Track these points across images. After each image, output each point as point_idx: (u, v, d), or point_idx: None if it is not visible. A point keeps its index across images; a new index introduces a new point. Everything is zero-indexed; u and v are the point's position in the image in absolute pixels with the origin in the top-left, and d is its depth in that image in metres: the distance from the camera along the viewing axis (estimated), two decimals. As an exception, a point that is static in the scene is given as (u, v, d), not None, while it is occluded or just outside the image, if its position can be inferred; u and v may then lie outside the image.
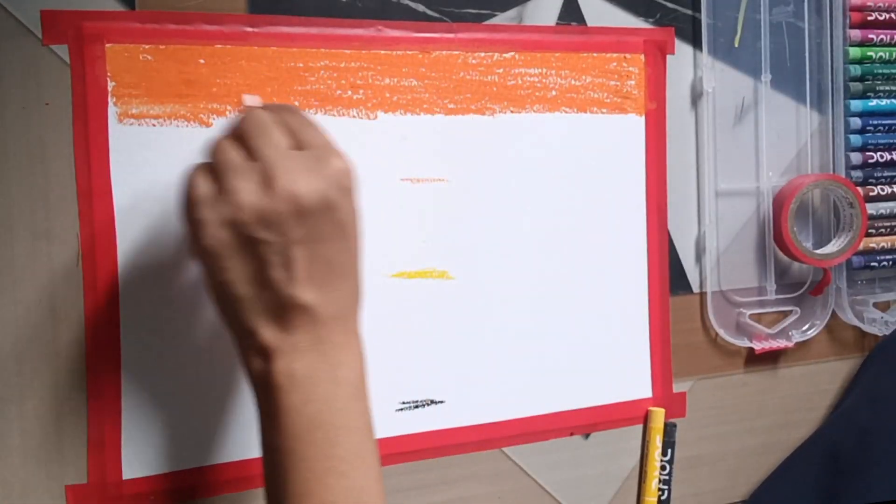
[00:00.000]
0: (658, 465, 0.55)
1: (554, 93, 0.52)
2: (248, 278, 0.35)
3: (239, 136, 0.37)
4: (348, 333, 0.38)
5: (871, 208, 0.59)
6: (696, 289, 0.57)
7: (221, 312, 0.37)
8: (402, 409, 0.50)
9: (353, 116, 0.47)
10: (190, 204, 0.36)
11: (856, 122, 0.59)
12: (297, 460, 0.35)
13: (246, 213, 0.34)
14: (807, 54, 0.58)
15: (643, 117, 0.54)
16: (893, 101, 0.60)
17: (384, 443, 0.49)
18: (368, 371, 0.38)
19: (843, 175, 0.59)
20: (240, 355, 0.38)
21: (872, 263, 0.60)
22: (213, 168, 0.36)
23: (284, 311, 0.35)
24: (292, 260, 0.35)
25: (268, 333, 0.36)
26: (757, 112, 0.57)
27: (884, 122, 0.59)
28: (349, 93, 0.47)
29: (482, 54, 0.50)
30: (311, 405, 0.35)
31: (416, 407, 0.50)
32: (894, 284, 0.62)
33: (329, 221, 0.36)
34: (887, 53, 0.59)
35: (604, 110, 0.53)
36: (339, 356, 0.37)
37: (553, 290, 0.53)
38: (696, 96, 0.56)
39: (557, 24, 0.52)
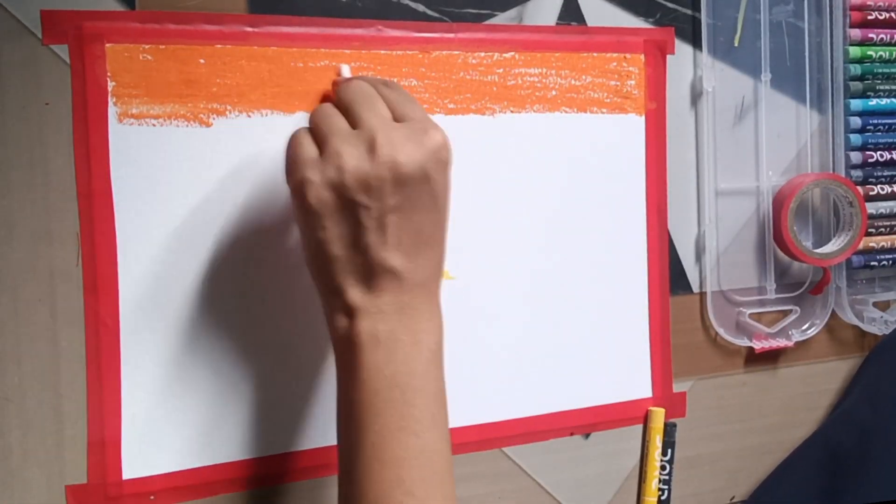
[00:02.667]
0: (658, 465, 0.56)
1: (554, 93, 0.52)
2: (344, 239, 0.37)
3: (342, 104, 0.39)
4: (430, 301, 0.39)
5: (871, 207, 0.59)
6: (696, 288, 0.57)
7: (314, 270, 0.39)
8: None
9: (353, 116, 0.47)
10: (297, 163, 0.37)
11: (856, 122, 0.59)
12: (373, 415, 0.36)
13: (349, 176, 0.36)
14: (807, 54, 0.58)
15: (643, 117, 0.54)
16: (893, 100, 0.60)
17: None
18: (444, 338, 0.39)
19: (842, 174, 0.59)
20: (326, 313, 0.39)
21: (872, 263, 0.60)
22: (317, 132, 0.38)
23: (373, 274, 0.37)
24: (387, 226, 0.37)
25: (355, 294, 0.37)
26: (757, 112, 0.57)
27: (884, 121, 0.59)
28: (349, 93, 0.47)
29: (482, 54, 0.50)
30: (391, 365, 0.37)
31: (417, 407, 0.50)
32: (894, 284, 0.62)
33: (424, 192, 0.37)
34: (887, 53, 0.59)
35: (604, 110, 0.53)
36: (421, 322, 0.38)
37: (553, 289, 0.53)
38: (695, 96, 0.56)
39: (557, 24, 0.52)
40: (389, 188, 0.36)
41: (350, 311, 0.38)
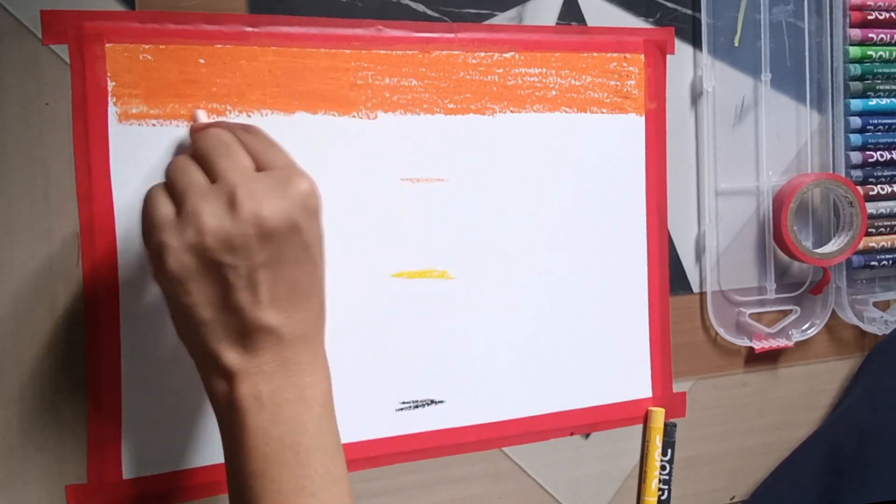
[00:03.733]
0: (658, 465, 0.55)
1: (554, 93, 0.52)
2: (212, 302, 0.35)
3: (199, 155, 0.37)
4: (314, 353, 0.37)
5: (871, 207, 0.59)
6: (696, 288, 0.57)
7: (183, 337, 0.37)
8: (402, 409, 0.50)
9: (353, 116, 0.47)
10: (152, 227, 0.35)
11: (856, 122, 0.59)
12: (266, 482, 0.34)
13: (210, 237, 0.34)
14: (807, 53, 0.58)
15: (643, 117, 0.54)
16: (893, 100, 0.60)
17: (384, 443, 0.49)
18: (333, 390, 0.38)
19: (843, 174, 0.58)
20: (203, 380, 0.37)
21: (872, 263, 0.60)
22: (173, 189, 0.36)
23: (249, 333, 0.35)
24: (257, 283, 0.35)
25: (232, 356, 0.35)
26: (757, 111, 0.57)
27: (884, 121, 0.59)
28: (349, 93, 0.47)
29: (482, 54, 0.50)
30: (279, 426, 0.35)
31: (416, 407, 0.50)
32: (894, 284, 0.62)
33: (294, 243, 0.35)
34: (887, 52, 0.59)
35: (604, 110, 0.53)
36: (306, 377, 0.36)
37: (553, 289, 0.53)
38: (696, 96, 0.56)
39: (557, 24, 0.52)
40: (256, 244, 0.34)
41: (228, 375, 0.35)
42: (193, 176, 0.36)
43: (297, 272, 0.36)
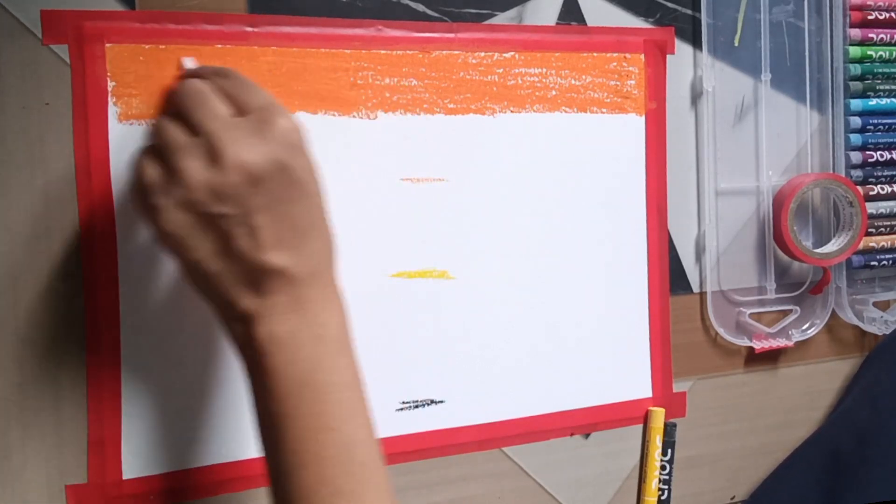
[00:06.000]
0: (658, 465, 0.56)
1: (554, 93, 0.52)
2: (217, 253, 0.35)
3: (178, 111, 0.36)
4: (326, 289, 0.37)
5: (871, 207, 0.59)
6: (696, 288, 0.57)
7: (198, 290, 0.37)
8: (402, 409, 0.50)
9: (353, 116, 0.47)
10: (141, 192, 0.35)
11: (856, 122, 0.59)
12: (288, 420, 0.35)
13: (198, 191, 0.34)
14: (807, 53, 0.58)
15: (643, 117, 0.54)
16: (893, 100, 0.60)
17: (384, 443, 0.49)
18: (351, 329, 0.38)
19: (842, 174, 0.59)
20: (222, 326, 0.38)
21: (872, 262, 0.60)
22: (158, 150, 0.36)
23: (259, 277, 0.35)
24: (256, 228, 0.35)
25: (246, 301, 0.36)
26: (757, 111, 0.57)
27: (884, 121, 0.59)
28: (349, 93, 0.47)
29: (482, 54, 0.50)
30: (296, 365, 0.35)
31: (416, 407, 0.50)
32: (894, 283, 0.62)
33: (286, 183, 0.35)
34: (887, 52, 0.59)
35: (604, 110, 0.53)
36: (320, 314, 0.36)
37: (553, 289, 0.53)
38: (695, 96, 0.56)
39: (557, 23, 0.52)
40: (247, 190, 0.34)
41: (244, 319, 0.36)
42: (172, 133, 0.35)
43: (294, 210, 0.36)
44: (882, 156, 0.59)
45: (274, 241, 0.35)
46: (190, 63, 0.43)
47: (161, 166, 0.35)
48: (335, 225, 0.49)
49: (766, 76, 0.57)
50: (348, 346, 0.37)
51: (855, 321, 0.60)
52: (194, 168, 0.34)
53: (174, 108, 0.37)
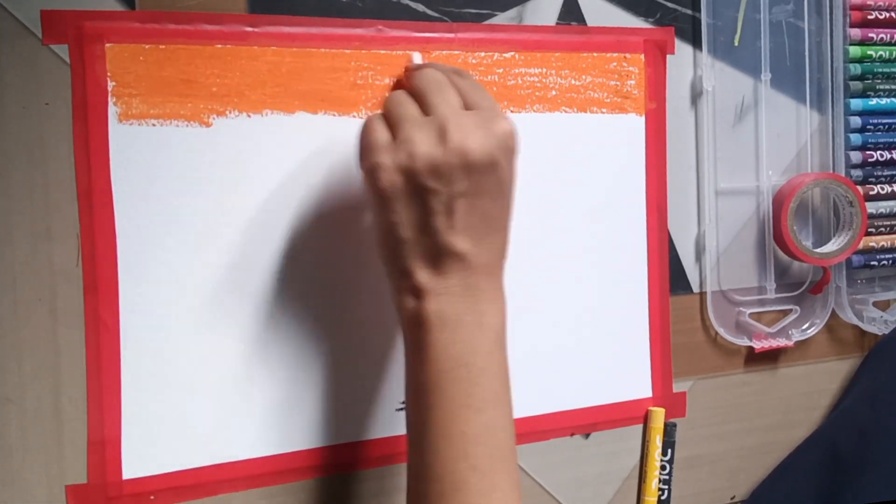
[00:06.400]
0: (658, 465, 0.56)
1: (554, 93, 0.52)
2: (413, 223, 0.38)
3: (414, 91, 0.40)
4: (495, 284, 0.41)
5: (871, 207, 0.59)
6: (696, 288, 0.57)
7: (385, 252, 0.40)
8: (402, 409, 0.50)
9: (353, 116, 0.47)
10: (370, 148, 0.39)
11: (856, 121, 0.59)
12: (440, 394, 0.38)
13: (420, 161, 0.37)
14: (807, 53, 0.58)
15: (643, 117, 0.54)
16: (893, 99, 0.60)
17: (384, 443, 0.49)
18: (507, 321, 0.41)
19: (842, 174, 0.59)
20: (394, 294, 0.41)
21: (872, 262, 0.60)
22: (389, 118, 0.40)
23: (441, 256, 0.38)
24: (454, 210, 0.38)
25: (423, 275, 0.39)
26: (757, 111, 0.57)
27: (884, 120, 0.59)
28: (349, 93, 0.47)
29: (482, 54, 0.50)
30: (457, 345, 0.38)
31: (417, 407, 0.50)
32: (894, 283, 0.62)
33: (491, 178, 0.38)
34: (887, 52, 0.59)
35: (604, 110, 0.53)
36: (486, 304, 0.39)
37: (553, 289, 0.53)
38: (695, 96, 0.56)
39: (557, 24, 0.52)
40: (458, 174, 0.37)
41: (418, 293, 0.39)
42: (409, 108, 0.39)
43: (490, 205, 0.39)
44: (882, 155, 0.59)
45: (465, 226, 0.38)
46: (418, 58, 0.47)
47: (390, 132, 0.39)
48: (336, 225, 0.49)
49: (766, 76, 0.57)
50: (503, 339, 0.41)
51: (855, 321, 0.60)
52: (422, 141, 0.37)
53: (412, 88, 0.41)
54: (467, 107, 0.40)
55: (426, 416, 0.38)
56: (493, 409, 0.38)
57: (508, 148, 0.39)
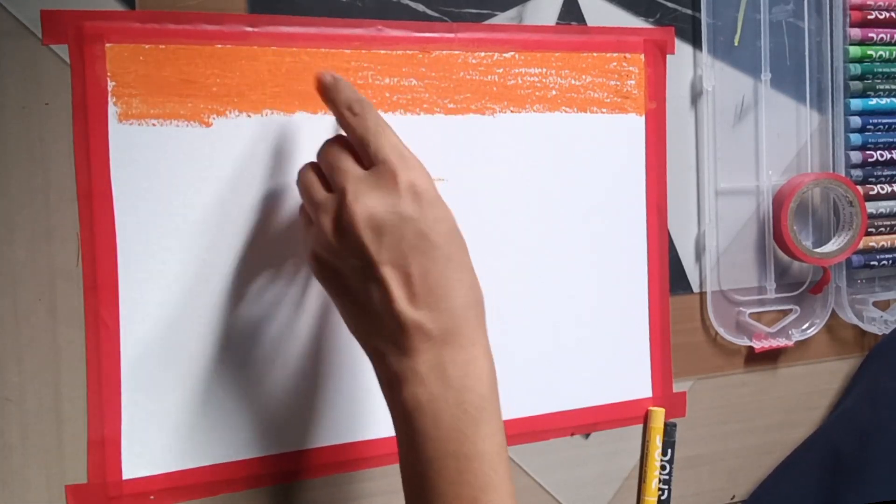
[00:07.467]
0: (658, 465, 0.56)
1: (554, 93, 0.52)
2: (361, 306, 0.37)
3: (319, 159, 0.40)
4: (469, 350, 0.37)
5: (871, 207, 0.59)
6: (696, 288, 0.57)
7: (354, 334, 0.39)
8: (402, 409, 0.49)
9: (353, 116, 0.47)
10: (304, 240, 0.40)
11: (856, 121, 0.59)
12: (427, 487, 0.36)
13: (323, 247, 0.37)
14: (807, 53, 0.58)
15: (643, 117, 0.54)
16: (893, 99, 0.60)
17: (384, 443, 0.49)
18: (496, 384, 0.38)
19: (842, 174, 0.59)
20: (378, 381, 0.39)
21: (872, 262, 0.60)
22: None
23: (401, 334, 0.36)
24: (385, 280, 0.35)
25: (394, 360, 0.36)
26: (757, 111, 0.57)
27: (884, 120, 0.59)
28: (349, 92, 0.47)
29: (482, 54, 0.50)
30: (439, 432, 0.35)
31: (417, 407, 0.50)
32: (894, 283, 0.62)
33: (410, 234, 0.36)
34: (887, 52, 0.59)
35: (604, 110, 0.53)
36: (463, 379, 0.36)
37: (553, 289, 0.53)
38: (695, 96, 0.56)
39: (557, 23, 0.52)
40: (371, 243, 0.35)
41: (392, 380, 0.37)
42: (313, 192, 0.39)
43: (424, 263, 0.36)
44: (882, 155, 0.59)
45: (407, 294, 0.36)
46: (328, 77, 0.42)
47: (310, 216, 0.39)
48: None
49: (766, 76, 0.57)
50: (493, 412, 0.37)
51: (855, 321, 0.60)
52: (324, 223, 0.36)
53: (320, 161, 0.40)
54: (367, 164, 0.38)
55: (419, 501, 0.36)
56: (485, 494, 0.35)
57: (417, 196, 0.36)
